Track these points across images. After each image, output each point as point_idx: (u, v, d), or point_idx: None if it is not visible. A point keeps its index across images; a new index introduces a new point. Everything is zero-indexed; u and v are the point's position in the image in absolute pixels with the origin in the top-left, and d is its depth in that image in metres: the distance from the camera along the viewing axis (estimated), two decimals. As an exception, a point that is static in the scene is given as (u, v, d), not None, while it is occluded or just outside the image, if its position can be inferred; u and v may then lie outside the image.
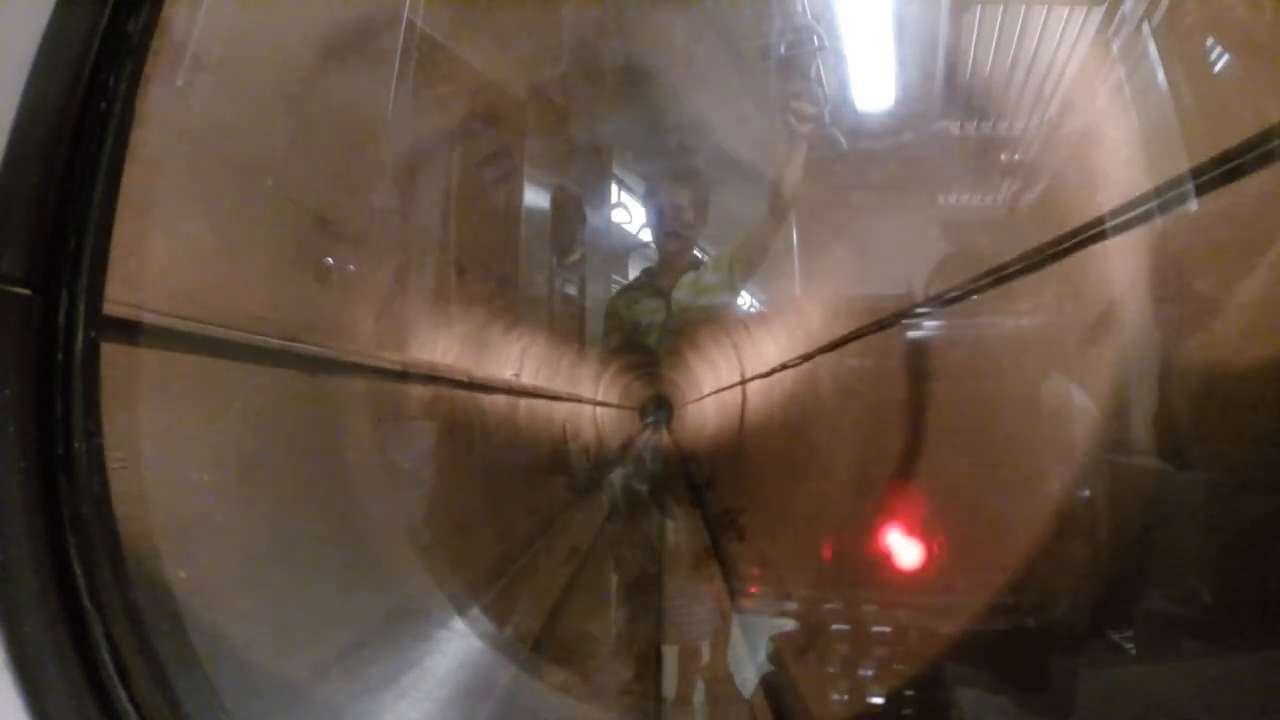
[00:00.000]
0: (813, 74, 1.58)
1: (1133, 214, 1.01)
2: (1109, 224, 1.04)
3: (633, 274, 2.32)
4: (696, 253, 2.16)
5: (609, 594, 1.98)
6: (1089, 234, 1.07)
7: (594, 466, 2.66)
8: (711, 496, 2.31)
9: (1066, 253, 1.10)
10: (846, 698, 1.23)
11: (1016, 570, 1.13)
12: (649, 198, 2.17)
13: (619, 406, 2.83)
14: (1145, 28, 1.03)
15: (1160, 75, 1.00)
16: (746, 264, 2.04)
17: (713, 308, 2.17)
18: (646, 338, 2.22)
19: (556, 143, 1.94)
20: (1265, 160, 0.80)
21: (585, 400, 2.70)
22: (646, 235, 2.24)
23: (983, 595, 1.17)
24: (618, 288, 2.32)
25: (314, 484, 1.16)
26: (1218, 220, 0.91)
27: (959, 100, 1.38)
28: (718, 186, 2.07)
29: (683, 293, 2.13)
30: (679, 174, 2.07)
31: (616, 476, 2.53)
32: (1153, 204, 0.98)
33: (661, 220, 2.13)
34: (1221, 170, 0.85)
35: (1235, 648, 0.85)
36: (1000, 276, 1.28)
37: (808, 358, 1.93)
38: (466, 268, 1.74)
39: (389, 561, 1.30)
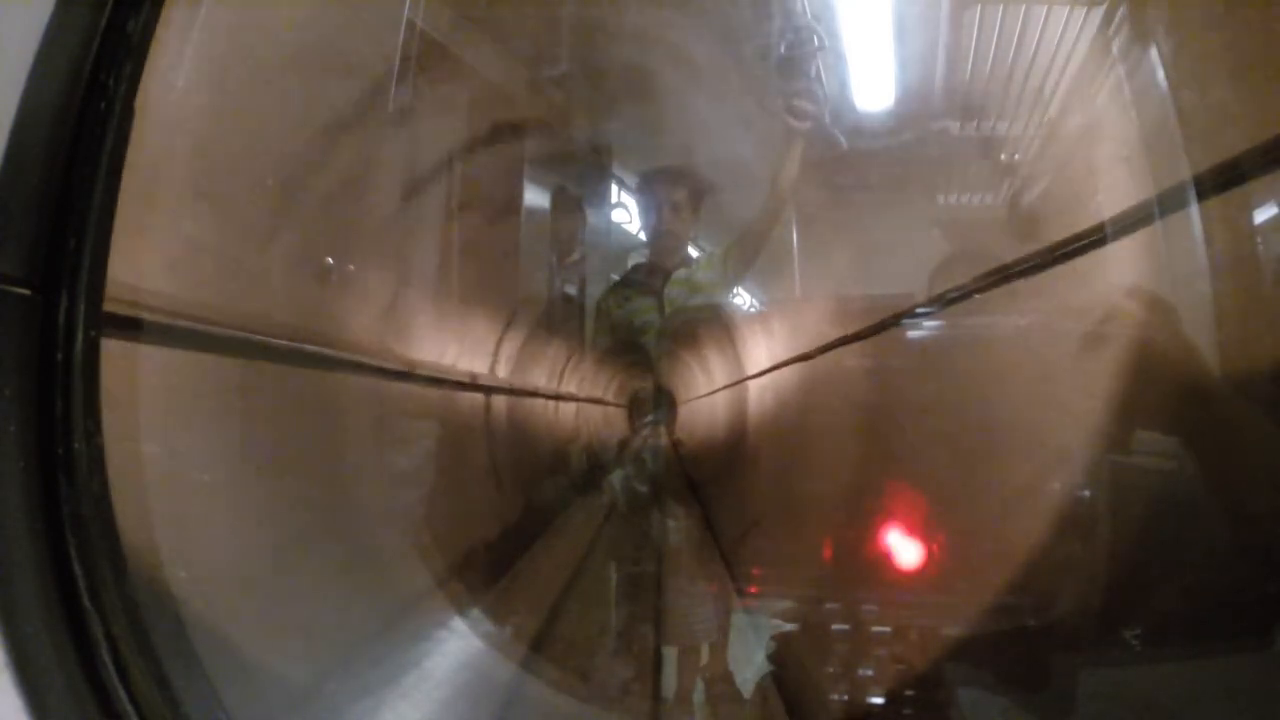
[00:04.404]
0: (813, 74, 1.58)
1: (1133, 211, 1.01)
2: (1109, 226, 1.04)
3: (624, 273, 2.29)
4: (691, 250, 2.14)
5: (609, 594, 1.98)
6: (1091, 239, 1.07)
7: (593, 467, 2.66)
8: (710, 495, 2.31)
9: (1069, 256, 1.10)
10: (846, 698, 1.23)
11: (1017, 570, 1.13)
12: (643, 194, 2.13)
13: (619, 406, 2.82)
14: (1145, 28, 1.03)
15: (1160, 75, 1.00)
16: (741, 261, 2.02)
17: (709, 307, 2.15)
18: (642, 337, 2.20)
19: (556, 143, 1.94)
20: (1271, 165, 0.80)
21: (585, 400, 2.70)
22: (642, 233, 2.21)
23: (983, 595, 1.17)
24: (606, 287, 2.28)
25: (314, 483, 1.16)
26: (1219, 219, 0.91)
27: (959, 100, 1.38)
28: (713, 184, 2.06)
29: (676, 291, 2.10)
30: (674, 171, 2.05)
31: (616, 477, 2.53)
32: (1152, 198, 0.98)
33: (656, 218, 2.10)
34: (1224, 178, 0.85)
35: (1235, 648, 0.85)
36: (1001, 277, 1.28)
37: (807, 357, 1.93)
38: (466, 267, 1.74)
39: (389, 562, 1.30)
